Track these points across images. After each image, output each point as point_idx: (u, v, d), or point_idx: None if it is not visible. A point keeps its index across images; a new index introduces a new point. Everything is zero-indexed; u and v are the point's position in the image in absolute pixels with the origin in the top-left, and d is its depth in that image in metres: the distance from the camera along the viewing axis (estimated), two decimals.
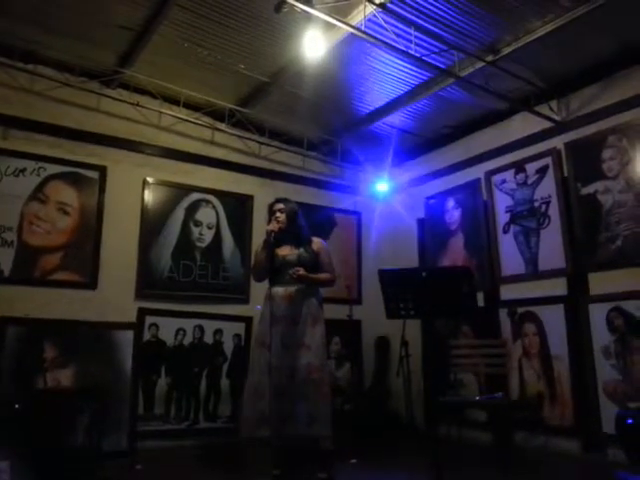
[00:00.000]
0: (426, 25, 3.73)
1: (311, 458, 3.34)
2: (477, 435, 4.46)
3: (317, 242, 3.63)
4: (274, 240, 3.44)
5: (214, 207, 5.05)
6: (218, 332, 4.79)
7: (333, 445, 3.29)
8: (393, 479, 3.49)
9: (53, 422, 3.51)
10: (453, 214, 5.29)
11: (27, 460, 3.18)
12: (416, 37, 3.76)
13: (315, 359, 3.34)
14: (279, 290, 3.42)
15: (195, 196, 4.95)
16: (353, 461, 3.81)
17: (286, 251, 3.51)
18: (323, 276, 3.54)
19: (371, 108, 5.00)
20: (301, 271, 3.38)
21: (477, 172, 5.08)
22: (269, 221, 3.63)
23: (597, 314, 3.97)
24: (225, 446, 4.38)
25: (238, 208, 5.15)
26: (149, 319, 4.50)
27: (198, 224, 4.95)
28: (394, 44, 3.69)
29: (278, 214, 3.55)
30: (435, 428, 3.67)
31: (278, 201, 3.65)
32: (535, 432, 4.22)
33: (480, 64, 4.06)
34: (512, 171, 4.75)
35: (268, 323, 3.35)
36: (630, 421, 3.05)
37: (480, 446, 4.35)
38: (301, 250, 3.52)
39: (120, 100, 4.56)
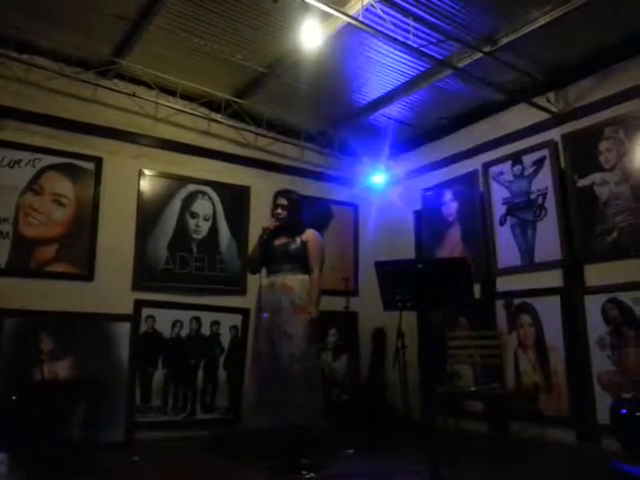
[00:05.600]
0: (424, 15, 3.70)
1: (297, 445, 3.35)
2: (473, 425, 4.48)
3: (308, 233, 3.65)
4: (266, 238, 3.54)
5: (210, 199, 5.03)
6: (215, 324, 4.79)
7: (318, 433, 3.34)
8: (390, 469, 3.51)
9: (50, 414, 3.52)
10: (450, 206, 5.29)
11: (24, 452, 3.19)
12: (414, 28, 3.74)
13: (296, 349, 3.33)
14: (265, 280, 3.54)
15: (191, 187, 4.93)
16: (350, 451, 3.83)
17: (279, 242, 3.57)
18: (314, 293, 3.47)
19: (368, 99, 4.98)
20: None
21: (474, 164, 5.07)
22: (273, 212, 3.67)
23: (593, 305, 3.99)
24: (222, 437, 4.40)
25: (235, 200, 5.13)
26: (146, 311, 4.49)
27: (194, 216, 4.93)
28: (392, 34, 3.67)
29: (279, 210, 3.58)
30: (431, 419, 3.69)
31: (281, 195, 3.67)
32: (531, 422, 4.24)
33: (478, 55, 4.04)
34: (509, 163, 4.75)
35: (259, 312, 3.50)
36: (624, 411, 3.07)
37: (476, 436, 4.37)
38: (289, 240, 3.57)
39: (116, 91, 4.52)
